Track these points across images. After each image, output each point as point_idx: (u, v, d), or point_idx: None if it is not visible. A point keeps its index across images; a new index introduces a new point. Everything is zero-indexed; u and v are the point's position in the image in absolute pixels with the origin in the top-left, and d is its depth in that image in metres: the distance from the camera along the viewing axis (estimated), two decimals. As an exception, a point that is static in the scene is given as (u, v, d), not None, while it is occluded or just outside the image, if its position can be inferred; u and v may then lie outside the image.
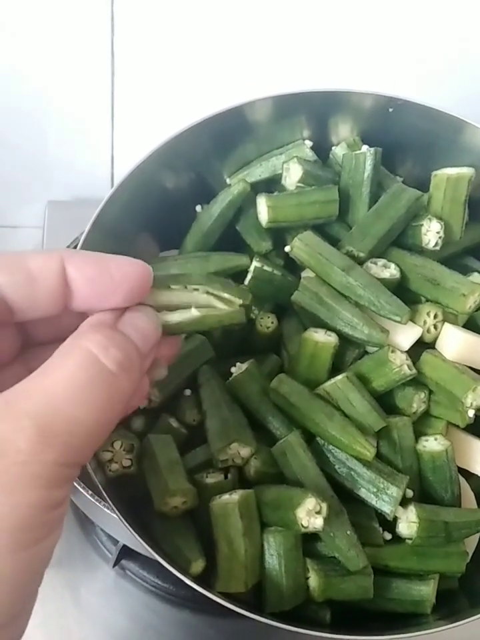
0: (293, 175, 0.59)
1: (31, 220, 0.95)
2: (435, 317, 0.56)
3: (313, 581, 0.50)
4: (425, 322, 0.56)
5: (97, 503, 0.62)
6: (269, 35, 0.77)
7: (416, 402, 0.55)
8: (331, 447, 0.52)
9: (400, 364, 0.53)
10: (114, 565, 0.72)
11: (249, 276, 0.56)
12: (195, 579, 0.48)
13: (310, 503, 0.48)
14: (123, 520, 0.48)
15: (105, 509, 0.61)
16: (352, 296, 0.54)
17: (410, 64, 0.80)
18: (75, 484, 0.62)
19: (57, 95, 0.84)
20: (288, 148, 0.61)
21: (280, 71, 0.80)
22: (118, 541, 0.70)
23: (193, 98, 0.84)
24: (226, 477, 0.52)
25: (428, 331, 0.56)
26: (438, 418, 0.56)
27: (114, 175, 0.93)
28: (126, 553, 0.71)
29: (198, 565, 0.49)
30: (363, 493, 0.51)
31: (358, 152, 0.59)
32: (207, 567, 0.49)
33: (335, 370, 0.55)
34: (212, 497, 0.50)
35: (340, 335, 0.54)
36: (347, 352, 0.55)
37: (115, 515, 0.48)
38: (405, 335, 0.54)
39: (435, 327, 0.56)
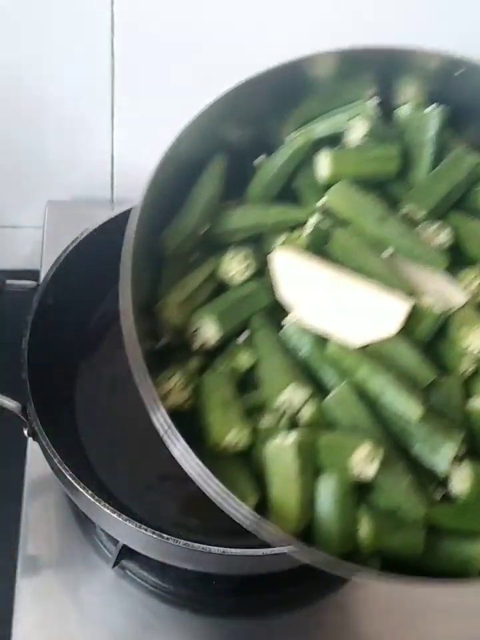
0: (355, 133, 0.58)
1: (31, 220, 0.95)
2: None
3: (364, 529, 0.49)
4: (469, 284, 0.55)
5: (97, 503, 0.62)
6: (271, 34, 0.77)
7: (466, 362, 0.53)
8: (383, 402, 0.51)
9: (431, 304, 0.52)
10: (114, 565, 0.72)
11: (307, 231, 0.55)
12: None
13: (365, 449, 0.47)
14: (189, 450, 0.46)
15: (105, 509, 0.61)
16: (388, 245, 0.53)
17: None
18: (75, 483, 0.62)
19: (57, 95, 0.84)
20: (352, 106, 0.60)
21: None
22: (118, 541, 0.70)
23: (193, 97, 0.83)
24: (280, 422, 0.51)
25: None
26: None
27: (114, 174, 0.93)
28: (126, 552, 0.71)
29: (251, 500, 0.48)
30: (417, 448, 0.50)
31: (423, 112, 0.59)
32: (259, 506, 0.48)
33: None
34: (266, 439, 0.49)
35: None
36: None
37: (179, 449, 0.47)
38: (451, 295, 0.54)
39: None
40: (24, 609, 0.70)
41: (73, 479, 0.62)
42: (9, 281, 0.72)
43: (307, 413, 0.51)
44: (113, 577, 0.73)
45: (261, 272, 0.56)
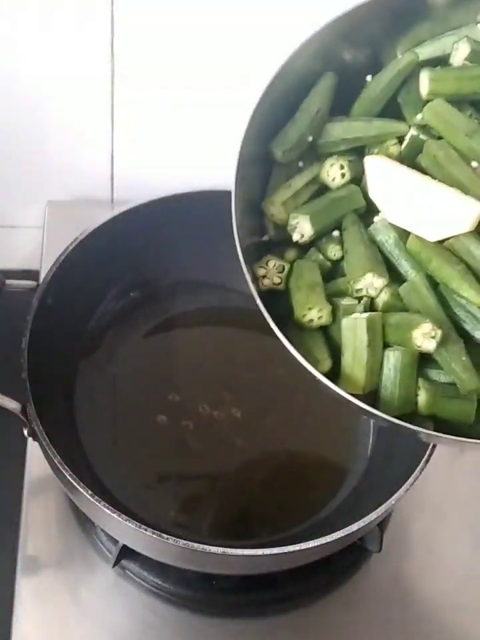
0: (460, 54, 0.60)
1: (30, 220, 0.95)
2: None
3: (422, 397, 0.56)
4: None
5: (97, 503, 0.62)
6: (273, 35, 0.77)
7: None
8: (451, 289, 0.57)
9: None
10: (114, 565, 0.72)
11: (406, 142, 0.59)
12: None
13: (426, 327, 0.55)
14: (273, 322, 0.54)
15: (105, 509, 0.61)
16: (475, 158, 0.57)
17: None
18: (75, 483, 0.62)
19: (57, 95, 0.84)
20: (460, 31, 0.62)
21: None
22: (118, 541, 0.70)
23: (193, 97, 0.84)
24: (358, 304, 0.58)
25: None
26: None
27: (114, 175, 0.93)
28: (126, 552, 0.71)
29: (325, 365, 0.57)
30: (478, 334, 0.56)
31: None
32: (332, 371, 0.56)
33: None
34: (344, 316, 0.57)
35: None
36: None
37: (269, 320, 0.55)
38: None
39: None
40: (24, 608, 0.70)
41: (73, 479, 0.62)
42: (8, 281, 0.72)
43: (382, 298, 0.58)
44: (113, 576, 0.73)
45: (358, 180, 0.61)
